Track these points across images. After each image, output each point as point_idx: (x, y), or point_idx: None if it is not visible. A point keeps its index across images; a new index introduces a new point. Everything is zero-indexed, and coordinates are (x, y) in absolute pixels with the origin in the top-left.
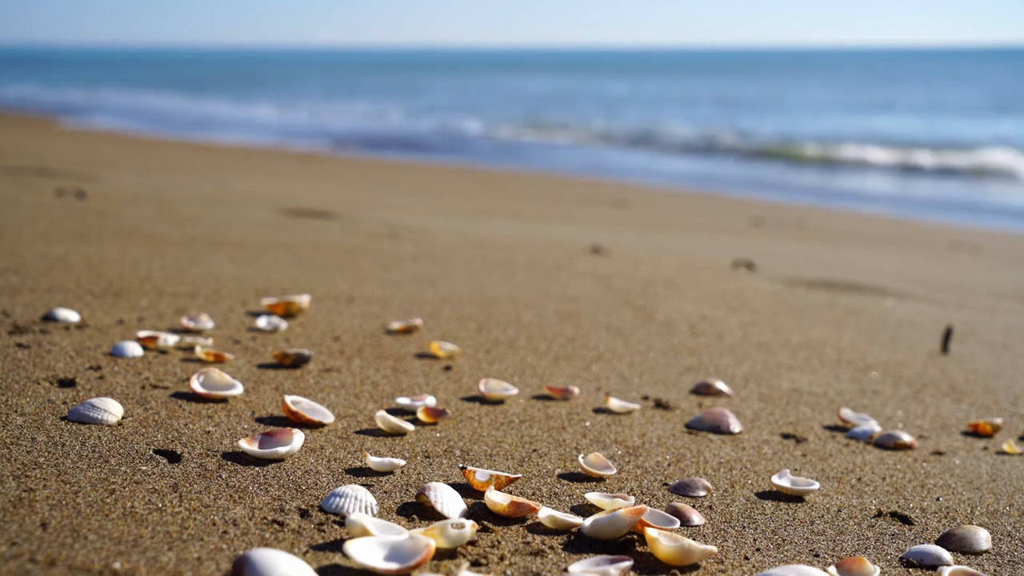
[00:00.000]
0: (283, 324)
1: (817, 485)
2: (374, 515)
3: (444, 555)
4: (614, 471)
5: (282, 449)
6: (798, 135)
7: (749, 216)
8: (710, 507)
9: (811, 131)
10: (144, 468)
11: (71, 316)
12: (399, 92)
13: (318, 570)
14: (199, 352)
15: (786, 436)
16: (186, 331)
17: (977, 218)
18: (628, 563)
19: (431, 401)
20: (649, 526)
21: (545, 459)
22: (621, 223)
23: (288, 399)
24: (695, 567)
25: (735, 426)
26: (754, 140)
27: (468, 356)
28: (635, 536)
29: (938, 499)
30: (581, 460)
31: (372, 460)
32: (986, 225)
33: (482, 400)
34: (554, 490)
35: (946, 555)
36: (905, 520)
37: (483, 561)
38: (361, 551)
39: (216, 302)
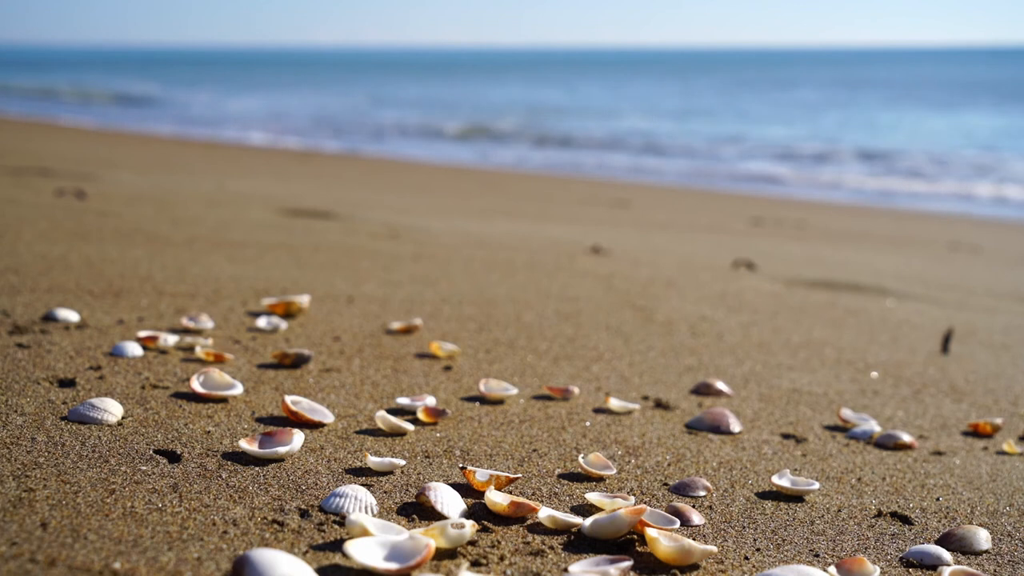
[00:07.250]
0: (283, 324)
1: (817, 485)
2: (374, 515)
3: (444, 555)
4: (614, 471)
5: (282, 449)
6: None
7: (749, 216)
8: (710, 507)
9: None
10: (144, 468)
11: (71, 316)
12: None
13: (318, 570)
14: (199, 352)
15: (786, 436)
16: (186, 331)
17: None
18: (628, 563)
19: (431, 401)
20: (649, 526)
21: (545, 459)
22: (621, 223)
23: (288, 399)
24: (695, 567)
25: (735, 426)
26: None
27: (468, 356)
28: (635, 536)
29: (938, 499)
30: (581, 460)
31: (372, 460)
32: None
33: (482, 400)
34: (554, 490)
35: (946, 555)
36: (905, 520)
37: (483, 561)
38: (361, 551)
39: (216, 302)
